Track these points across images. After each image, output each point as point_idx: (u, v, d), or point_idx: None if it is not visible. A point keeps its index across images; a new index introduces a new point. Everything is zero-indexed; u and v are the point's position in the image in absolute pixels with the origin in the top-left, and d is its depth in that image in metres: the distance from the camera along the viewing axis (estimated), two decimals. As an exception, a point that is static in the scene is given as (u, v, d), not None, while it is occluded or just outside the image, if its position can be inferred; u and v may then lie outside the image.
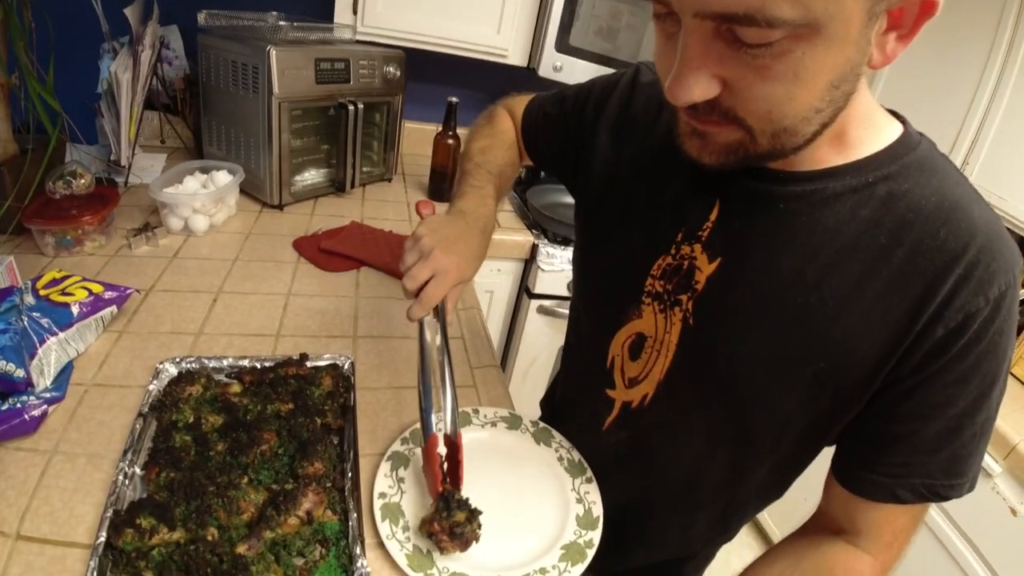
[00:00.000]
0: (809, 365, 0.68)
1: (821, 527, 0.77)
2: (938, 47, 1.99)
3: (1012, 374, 1.89)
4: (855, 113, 0.64)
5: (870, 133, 0.66)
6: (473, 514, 0.80)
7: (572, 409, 1.05)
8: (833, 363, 0.67)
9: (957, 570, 1.76)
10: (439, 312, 0.88)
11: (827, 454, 0.80)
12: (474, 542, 0.79)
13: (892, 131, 0.67)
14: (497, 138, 1.09)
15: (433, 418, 0.83)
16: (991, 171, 1.87)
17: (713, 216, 0.73)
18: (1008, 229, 0.65)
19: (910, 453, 0.67)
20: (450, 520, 0.78)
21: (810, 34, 0.48)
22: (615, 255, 0.86)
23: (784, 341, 0.68)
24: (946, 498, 0.68)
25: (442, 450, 0.83)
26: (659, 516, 0.95)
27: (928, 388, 0.64)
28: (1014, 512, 1.62)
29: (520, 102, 1.12)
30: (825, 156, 0.66)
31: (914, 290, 0.62)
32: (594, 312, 0.93)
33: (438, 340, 0.88)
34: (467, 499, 0.80)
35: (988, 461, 1.66)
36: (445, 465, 0.83)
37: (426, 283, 0.83)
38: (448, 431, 0.83)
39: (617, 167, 0.87)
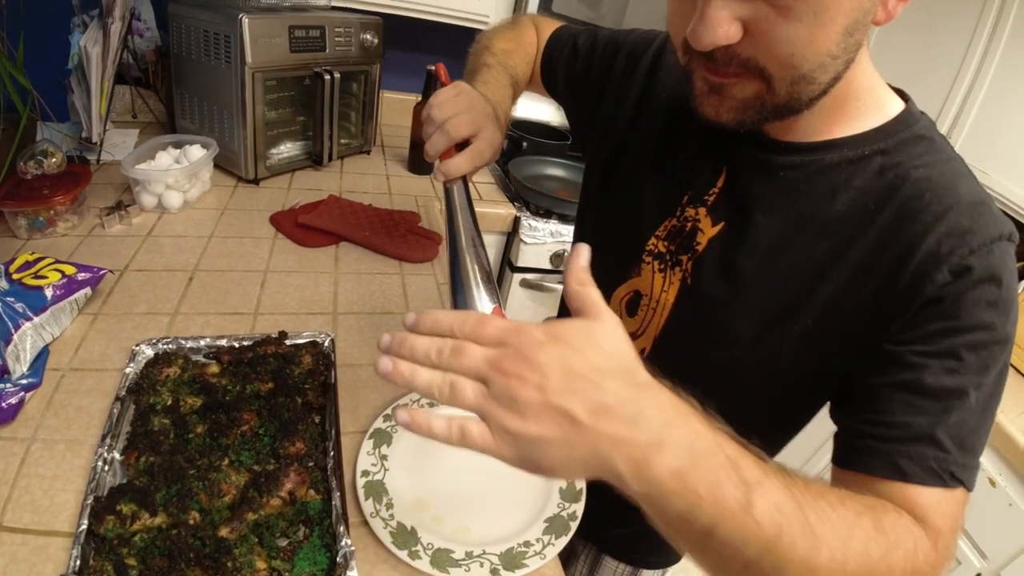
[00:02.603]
0: (797, 323, 0.70)
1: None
2: (925, 22, 1.98)
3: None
4: (857, 85, 0.66)
5: (871, 107, 0.69)
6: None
7: None
8: (820, 321, 0.69)
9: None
10: (464, 185, 0.82)
11: (818, 438, 0.81)
12: None
13: (894, 107, 0.70)
14: (520, 46, 1.06)
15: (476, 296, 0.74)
16: (975, 146, 1.88)
17: (720, 182, 0.76)
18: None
19: (911, 411, 0.61)
20: None
21: None
22: (623, 213, 0.88)
23: (775, 300, 0.72)
24: (961, 482, 0.59)
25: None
26: None
27: (926, 343, 0.62)
28: (992, 483, 1.65)
29: (548, 23, 1.10)
30: (827, 127, 0.69)
31: (898, 249, 0.64)
32: (595, 267, 0.93)
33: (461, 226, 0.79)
34: None
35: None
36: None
37: (454, 118, 0.79)
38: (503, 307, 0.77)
39: (637, 125, 0.89)
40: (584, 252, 0.57)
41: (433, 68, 1.65)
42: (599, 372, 0.48)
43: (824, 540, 0.50)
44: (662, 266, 0.81)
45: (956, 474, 0.59)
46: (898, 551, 0.53)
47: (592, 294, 0.55)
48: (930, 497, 0.59)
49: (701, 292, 0.78)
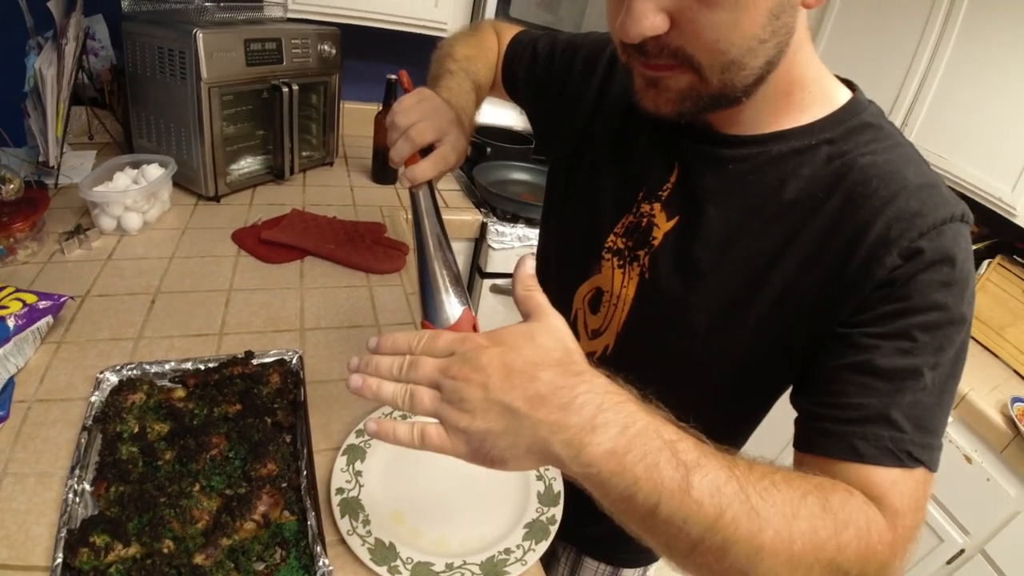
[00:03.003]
0: (752, 310, 0.72)
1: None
2: (878, 7, 2.02)
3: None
4: (801, 75, 0.68)
5: (817, 98, 0.70)
6: None
7: None
8: (774, 309, 0.71)
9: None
10: (430, 190, 0.82)
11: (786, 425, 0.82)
12: None
13: (840, 96, 0.71)
14: (482, 52, 1.08)
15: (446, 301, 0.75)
16: (931, 130, 1.92)
17: (673, 178, 0.78)
18: (951, 188, 0.67)
19: (865, 392, 0.61)
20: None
21: None
22: (583, 212, 0.90)
23: (730, 290, 0.73)
24: (920, 461, 0.60)
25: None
26: None
27: (879, 324, 0.63)
28: (968, 460, 1.69)
29: (509, 28, 1.12)
30: (773, 119, 0.70)
31: (845, 234, 0.65)
32: (559, 266, 0.96)
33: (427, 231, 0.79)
34: None
35: (938, 410, 1.73)
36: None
37: (416, 124, 0.80)
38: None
39: (595, 126, 0.90)
40: (529, 261, 0.62)
41: (395, 77, 1.63)
42: (535, 366, 0.53)
43: (768, 520, 0.51)
44: (621, 262, 0.83)
45: (914, 454, 0.59)
46: (848, 530, 0.54)
47: (537, 298, 0.61)
48: (887, 477, 0.59)
49: (658, 286, 0.79)
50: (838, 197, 0.67)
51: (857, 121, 0.70)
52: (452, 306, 0.74)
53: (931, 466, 0.61)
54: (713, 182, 0.74)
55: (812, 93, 0.70)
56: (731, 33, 0.56)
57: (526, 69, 1.05)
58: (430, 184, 0.82)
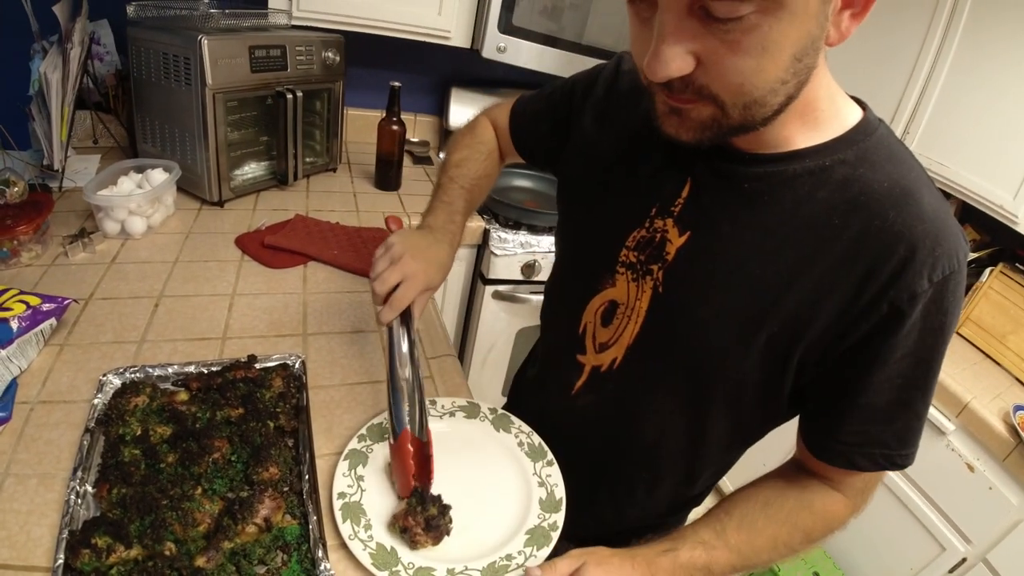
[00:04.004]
0: (763, 330, 0.73)
1: (800, 467, 0.86)
2: (880, 13, 2.02)
3: (959, 334, 1.97)
4: (815, 96, 0.69)
5: (830, 116, 0.72)
6: (445, 508, 0.83)
7: (545, 376, 1.09)
8: (784, 329, 0.72)
9: (920, 528, 1.82)
10: (406, 317, 0.93)
11: (787, 427, 0.87)
12: (446, 536, 0.81)
13: (852, 116, 0.73)
14: (475, 148, 1.16)
15: (404, 415, 0.89)
16: (933, 138, 1.92)
17: (685, 193, 0.79)
18: (945, 192, 0.69)
19: (866, 422, 0.74)
20: (425, 514, 0.80)
21: (775, 8, 0.54)
22: (593, 227, 0.92)
23: (742, 307, 0.74)
24: (901, 467, 0.77)
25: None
26: (626, 475, 0.99)
27: (880, 363, 0.70)
28: (971, 468, 1.68)
29: (503, 108, 1.19)
30: (791, 136, 0.71)
31: (861, 267, 0.68)
32: (571, 280, 0.98)
33: (404, 346, 0.93)
34: (439, 495, 0.84)
35: (941, 420, 1.72)
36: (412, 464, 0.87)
37: (395, 288, 0.91)
38: (417, 433, 0.87)
39: (599, 146, 0.92)
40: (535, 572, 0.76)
41: (398, 84, 1.69)
42: None
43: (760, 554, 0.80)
44: (634, 276, 0.84)
45: (897, 462, 0.76)
46: (824, 521, 0.82)
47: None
48: (870, 476, 0.81)
49: (671, 300, 0.80)
50: (855, 227, 0.68)
51: (870, 142, 0.71)
52: (395, 425, 0.89)
53: (907, 466, 0.77)
54: (728, 199, 0.75)
55: (825, 112, 0.71)
56: (755, 77, 0.58)
57: (532, 133, 1.12)
58: (402, 318, 0.94)
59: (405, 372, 0.91)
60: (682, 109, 0.64)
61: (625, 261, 0.85)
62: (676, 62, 0.58)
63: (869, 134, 0.71)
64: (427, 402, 1.01)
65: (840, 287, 0.69)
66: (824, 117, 0.71)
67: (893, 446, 0.75)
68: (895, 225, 0.67)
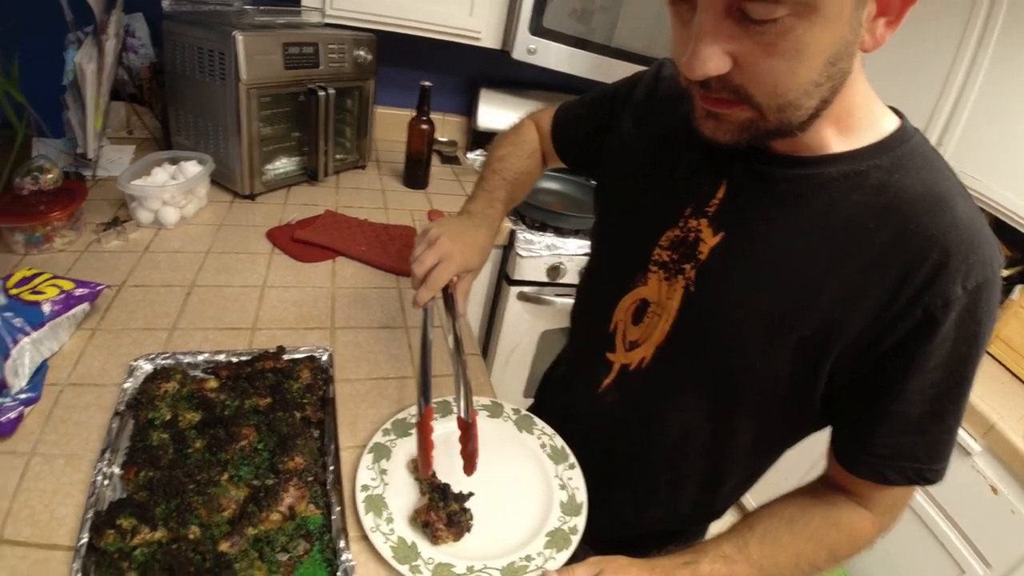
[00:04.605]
0: (795, 332, 0.73)
1: (828, 484, 0.85)
2: (913, 23, 1.99)
3: (988, 353, 1.92)
4: (852, 102, 0.69)
5: (867, 123, 0.72)
6: (466, 505, 0.83)
7: (573, 375, 1.09)
8: (816, 331, 0.72)
9: (940, 549, 1.79)
10: (449, 301, 0.96)
11: (816, 438, 0.86)
12: (467, 532, 0.81)
13: (889, 124, 0.73)
14: (518, 147, 1.18)
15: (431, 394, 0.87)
16: (965, 151, 1.88)
17: (720, 194, 0.80)
18: (982, 210, 0.68)
19: (898, 433, 0.73)
20: (447, 509, 0.81)
21: (809, 12, 0.55)
22: (627, 227, 0.93)
23: (774, 308, 0.74)
24: (931, 482, 0.75)
25: (438, 435, 0.88)
26: (649, 474, 0.98)
27: (913, 371, 0.69)
28: (995, 490, 1.65)
29: (547, 112, 1.21)
30: (827, 141, 0.72)
31: (895, 271, 0.67)
32: (604, 279, 0.98)
33: (449, 332, 0.94)
34: (461, 492, 0.84)
35: (967, 440, 1.69)
36: (459, 448, 0.86)
37: (433, 269, 0.91)
38: (462, 415, 0.85)
39: (638, 149, 0.94)
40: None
41: (429, 84, 1.72)
42: None
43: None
44: (667, 275, 0.84)
45: (927, 477, 0.75)
46: (849, 539, 0.80)
47: None
48: (899, 492, 0.80)
49: (703, 300, 0.81)
50: (889, 231, 0.68)
51: (905, 149, 0.71)
52: (420, 404, 0.86)
53: (939, 481, 0.75)
54: (763, 201, 0.76)
55: (861, 119, 0.71)
56: (788, 79, 0.60)
57: (574, 137, 1.14)
58: (446, 304, 0.96)
59: (449, 345, 0.92)
60: (720, 114, 0.66)
61: (658, 260, 0.85)
62: (713, 61, 0.59)
63: (905, 141, 0.72)
64: (450, 399, 1.02)
65: (873, 291, 0.69)
66: (861, 123, 0.71)
67: (924, 460, 0.74)
68: (928, 229, 0.66)
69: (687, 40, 0.61)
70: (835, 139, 0.71)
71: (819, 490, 0.85)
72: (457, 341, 0.91)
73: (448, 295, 0.95)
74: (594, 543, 1.14)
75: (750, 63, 0.59)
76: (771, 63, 0.59)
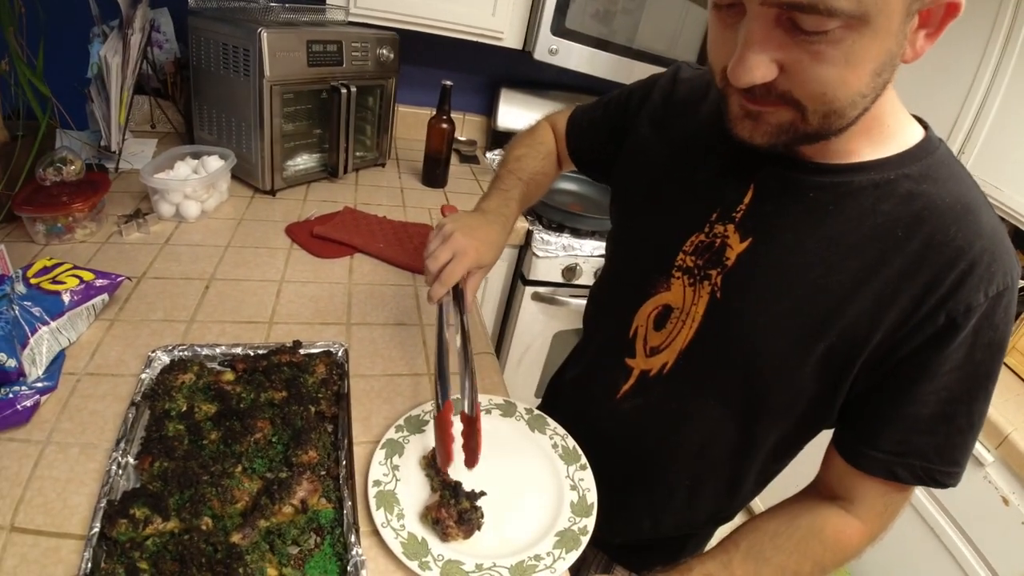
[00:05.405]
0: (822, 340, 0.73)
1: (817, 493, 0.85)
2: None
3: (1004, 364, 1.89)
4: (880, 111, 0.70)
5: (894, 132, 0.73)
6: (477, 503, 0.83)
7: (587, 379, 1.08)
8: (844, 340, 0.72)
9: (949, 559, 1.77)
10: (458, 296, 0.95)
11: (822, 440, 0.85)
12: (477, 530, 0.81)
13: (915, 134, 0.74)
14: (535, 148, 1.18)
15: (449, 388, 0.88)
16: (986, 161, 1.87)
17: (747, 199, 0.79)
18: (1002, 218, 0.68)
19: (908, 432, 0.73)
20: (458, 507, 0.81)
21: (860, 25, 0.55)
22: (647, 232, 0.92)
23: (802, 316, 0.74)
24: (942, 484, 0.74)
25: (457, 428, 0.87)
26: (667, 481, 0.98)
27: (928, 375, 0.70)
28: (1006, 501, 1.63)
29: (563, 115, 1.21)
30: (857, 149, 0.72)
31: (922, 279, 0.68)
32: (623, 284, 0.97)
33: (457, 330, 0.93)
34: (472, 490, 0.84)
35: (980, 450, 1.67)
36: (461, 443, 0.87)
37: (446, 265, 0.91)
38: (466, 410, 0.86)
39: (655, 152, 0.93)
40: None
41: (450, 83, 1.73)
42: None
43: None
44: (691, 281, 0.83)
45: (938, 478, 0.74)
46: (837, 547, 0.79)
47: None
48: (892, 498, 0.79)
49: (730, 306, 0.80)
50: (919, 241, 0.68)
51: (933, 159, 0.72)
52: (440, 396, 0.87)
53: (951, 485, 0.75)
54: (792, 208, 0.75)
55: (890, 127, 0.72)
56: (838, 88, 0.60)
57: (588, 141, 1.14)
58: (454, 298, 0.95)
59: (456, 343, 0.91)
60: (760, 112, 0.65)
61: (682, 265, 0.84)
62: (761, 69, 0.60)
63: (931, 151, 0.72)
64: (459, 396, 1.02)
65: (900, 299, 0.69)
66: (889, 132, 0.72)
67: (934, 460, 0.73)
68: (956, 240, 0.67)
69: (729, 43, 0.62)
70: (864, 147, 0.72)
71: (806, 501, 0.84)
72: (464, 336, 0.91)
73: (458, 290, 0.95)
74: (607, 548, 1.14)
75: (798, 71, 0.60)
76: (820, 71, 0.59)
